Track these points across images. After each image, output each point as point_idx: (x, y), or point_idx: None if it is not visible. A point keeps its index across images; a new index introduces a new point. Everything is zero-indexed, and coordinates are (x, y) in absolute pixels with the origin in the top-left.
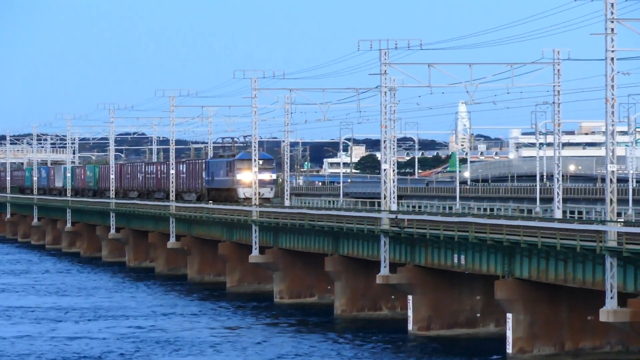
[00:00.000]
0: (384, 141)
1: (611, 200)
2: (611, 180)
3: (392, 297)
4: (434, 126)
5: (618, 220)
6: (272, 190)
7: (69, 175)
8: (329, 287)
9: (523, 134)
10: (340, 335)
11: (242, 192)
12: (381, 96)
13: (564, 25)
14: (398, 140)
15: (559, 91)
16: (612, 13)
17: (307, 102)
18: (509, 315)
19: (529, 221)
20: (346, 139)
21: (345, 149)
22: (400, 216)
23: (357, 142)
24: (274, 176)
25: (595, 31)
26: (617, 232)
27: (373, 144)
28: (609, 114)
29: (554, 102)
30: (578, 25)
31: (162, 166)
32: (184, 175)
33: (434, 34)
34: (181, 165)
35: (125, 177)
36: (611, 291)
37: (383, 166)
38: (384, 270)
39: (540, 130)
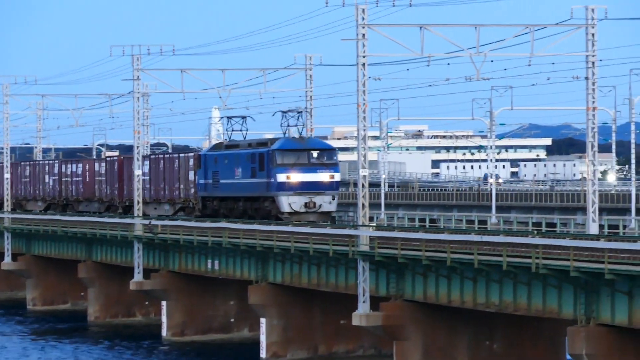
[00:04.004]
0: (137, 147)
1: (363, 204)
2: (363, 185)
3: (146, 303)
4: (187, 131)
5: (370, 224)
6: (334, 199)
7: None
8: (82, 294)
9: None
10: (94, 341)
11: (286, 203)
12: (134, 102)
13: (317, 30)
14: (151, 145)
15: (311, 96)
16: (363, 19)
17: (60, 107)
18: (263, 320)
19: (282, 226)
20: (99, 145)
21: (99, 155)
22: (153, 222)
23: (110, 147)
24: (336, 176)
25: (347, 36)
26: (369, 236)
27: (127, 150)
28: (361, 118)
29: (306, 108)
30: (331, 31)
31: (95, 165)
32: (146, 178)
33: (186, 39)
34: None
35: (20, 181)
36: (364, 295)
37: (136, 172)
38: (138, 277)
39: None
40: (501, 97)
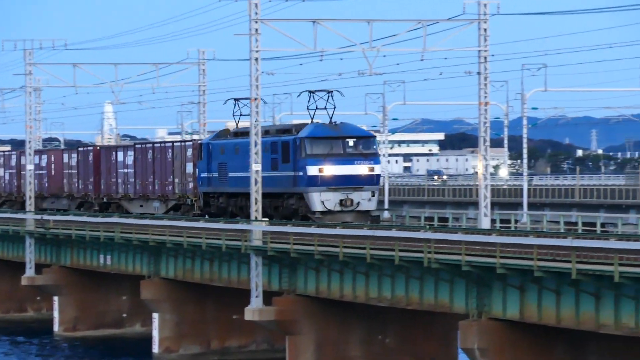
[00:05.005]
0: (29, 142)
1: (256, 200)
2: (256, 180)
3: (38, 298)
4: (80, 126)
5: (263, 219)
6: (373, 195)
7: None
8: None
9: (170, 133)
10: None
11: (318, 200)
12: (26, 96)
13: (210, 25)
14: (43, 140)
15: (204, 91)
16: (256, 13)
17: None
18: (155, 315)
19: (175, 221)
20: None
21: None
22: (45, 217)
23: (2, 142)
24: (377, 169)
25: (241, 31)
26: (262, 231)
27: (19, 145)
28: (254, 113)
29: (199, 102)
30: (224, 25)
31: (64, 156)
32: (130, 170)
33: (79, 34)
34: (120, 153)
35: None
36: (256, 290)
37: (28, 167)
38: (29, 272)
39: (187, 130)
40: (394, 92)
